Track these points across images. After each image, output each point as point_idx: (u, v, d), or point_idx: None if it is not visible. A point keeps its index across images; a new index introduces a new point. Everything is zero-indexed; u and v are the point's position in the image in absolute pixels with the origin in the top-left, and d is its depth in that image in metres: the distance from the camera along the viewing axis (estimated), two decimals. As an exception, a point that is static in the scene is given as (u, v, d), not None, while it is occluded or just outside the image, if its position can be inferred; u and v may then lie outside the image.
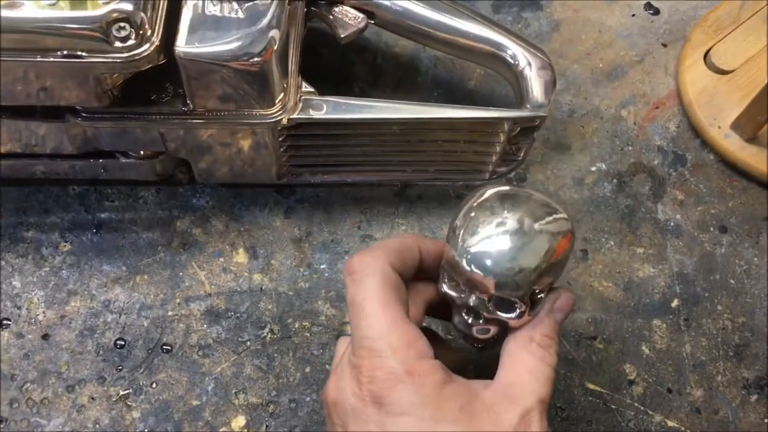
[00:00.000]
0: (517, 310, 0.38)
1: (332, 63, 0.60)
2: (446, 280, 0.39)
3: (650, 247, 0.55)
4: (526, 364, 0.37)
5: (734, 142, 0.56)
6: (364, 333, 0.36)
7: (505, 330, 0.39)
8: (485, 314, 0.38)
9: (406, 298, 0.38)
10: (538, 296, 0.38)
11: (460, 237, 0.37)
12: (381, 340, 0.35)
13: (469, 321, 0.39)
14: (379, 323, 0.36)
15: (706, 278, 0.54)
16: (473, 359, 0.44)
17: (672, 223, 0.55)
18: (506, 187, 0.39)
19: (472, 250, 0.37)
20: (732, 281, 0.54)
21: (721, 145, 0.57)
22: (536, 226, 0.37)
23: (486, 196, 0.39)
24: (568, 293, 0.40)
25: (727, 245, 0.55)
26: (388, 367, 0.35)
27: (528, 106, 0.48)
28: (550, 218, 0.38)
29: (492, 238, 0.37)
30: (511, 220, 0.37)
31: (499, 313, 0.38)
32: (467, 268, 0.37)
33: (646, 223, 0.55)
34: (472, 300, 0.38)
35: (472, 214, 0.38)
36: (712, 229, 0.55)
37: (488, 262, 0.36)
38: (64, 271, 0.52)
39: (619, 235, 0.55)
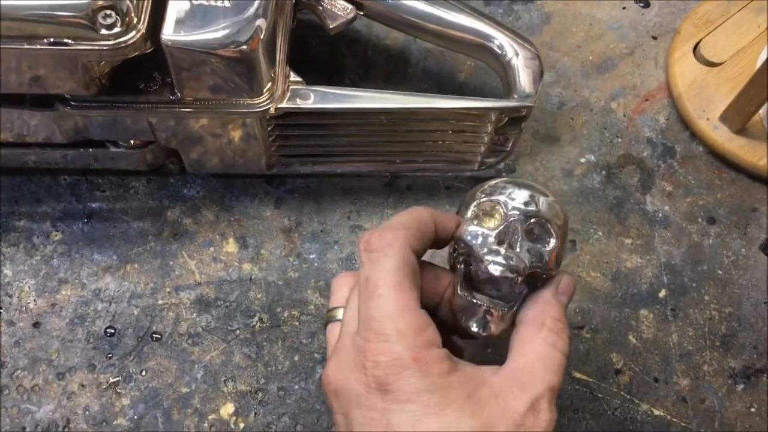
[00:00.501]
0: (552, 242, 0.38)
1: (323, 55, 0.60)
2: (474, 224, 0.38)
3: (638, 237, 0.55)
4: (537, 351, 0.36)
5: (723, 133, 0.56)
6: (373, 314, 0.35)
7: (512, 319, 0.39)
8: (518, 245, 0.37)
9: (419, 283, 0.37)
10: (552, 273, 0.38)
11: (492, 187, 0.39)
12: (390, 324, 0.34)
13: (504, 252, 0.37)
14: (391, 307, 0.35)
15: (693, 269, 0.54)
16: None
17: (660, 214, 0.56)
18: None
19: (504, 191, 0.39)
20: (719, 272, 0.54)
21: (710, 136, 0.57)
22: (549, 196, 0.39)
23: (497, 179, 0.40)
24: (569, 276, 0.39)
25: (714, 236, 0.55)
26: (393, 353, 0.34)
27: (515, 96, 0.49)
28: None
29: (518, 185, 0.39)
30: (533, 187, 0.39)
31: (536, 243, 0.38)
32: (512, 192, 0.38)
33: (634, 214, 0.56)
34: (513, 215, 0.38)
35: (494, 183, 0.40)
36: (700, 220, 0.56)
37: (524, 192, 0.38)
38: (55, 260, 0.53)
39: (607, 226, 0.55)
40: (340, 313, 0.39)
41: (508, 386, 0.35)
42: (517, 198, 0.38)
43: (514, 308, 0.38)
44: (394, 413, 0.33)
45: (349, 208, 0.55)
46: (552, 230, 0.38)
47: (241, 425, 0.49)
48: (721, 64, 0.59)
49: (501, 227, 0.38)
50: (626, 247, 0.54)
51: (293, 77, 0.47)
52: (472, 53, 0.52)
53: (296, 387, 0.50)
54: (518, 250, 0.37)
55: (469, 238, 0.38)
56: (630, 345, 0.51)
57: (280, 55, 0.47)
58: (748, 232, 0.55)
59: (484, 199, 0.39)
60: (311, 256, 0.54)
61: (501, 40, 0.49)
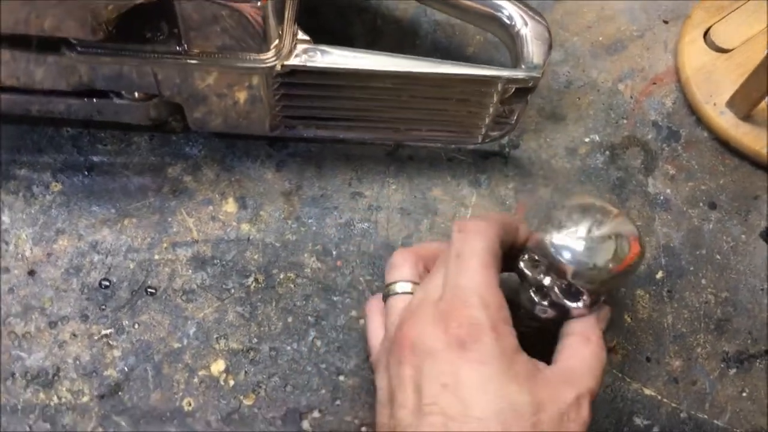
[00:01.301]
0: (582, 302, 0.42)
1: (333, 23, 0.60)
2: (526, 259, 0.43)
3: (638, 219, 0.55)
4: (584, 358, 0.41)
5: (729, 119, 0.56)
6: (462, 283, 0.39)
7: (558, 321, 0.43)
8: (552, 297, 0.42)
9: (500, 269, 0.41)
10: (601, 299, 0.43)
11: (553, 225, 0.42)
12: (476, 295, 0.38)
13: (536, 299, 0.43)
14: (479, 279, 0.39)
15: (692, 252, 0.54)
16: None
17: (662, 197, 0.55)
18: (599, 202, 0.44)
19: (561, 239, 0.41)
20: (718, 256, 0.54)
21: (716, 122, 0.57)
22: (616, 232, 0.41)
23: (579, 201, 0.43)
24: (607, 307, 0.44)
25: (715, 221, 0.55)
26: (477, 319, 0.38)
27: (523, 66, 0.48)
28: (628, 230, 0.42)
29: (580, 234, 0.41)
30: (599, 225, 0.41)
31: (566, 299, 0.42)
32: (553, 252, 0.41)
33: (636, 196, 0.55)
34: (547, 281, 0.42)
35: (567, 212, 0.42)
36: (701, 204, 0.55)
37: (571, 253, 0.41)
38: (53, 210, 0.53)
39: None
40: (399, 287, 0.43)
41: (558, 380, 0.39)
42: (563, 254, 0.41)
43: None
44: (466, 370, 0.37)
45: (350, 175, 0.55)
46: (584, 291, 0.41)
47: (231, 383, 0.49)
48: (730, 50, 0.58)
49: (538, 280, 0.42)
50: (626, 227, 0.54)
51: (301, 35, 0.47)
52: (481, 23, 0.52)
53: (288, 348, 0.50)
54: (546, 302, 0.43)
55: (520, 270, 0.44)
56: (624, 324, 0.51)
57: (289, 12, 0.47)
58: (748, 219, 0.55)
59: (533, 255, 0.43)
60: (310, 220, 0.54)
61: (510, 10, 0.49)
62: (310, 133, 0.53)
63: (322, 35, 0.49)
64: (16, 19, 0.42)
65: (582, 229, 0.41)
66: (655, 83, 0.59)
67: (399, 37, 0.60)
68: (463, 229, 0.41)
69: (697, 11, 0.60)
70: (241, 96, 0.49)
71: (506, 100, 0.50)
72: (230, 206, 0.54)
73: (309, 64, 0.46)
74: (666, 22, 0.62)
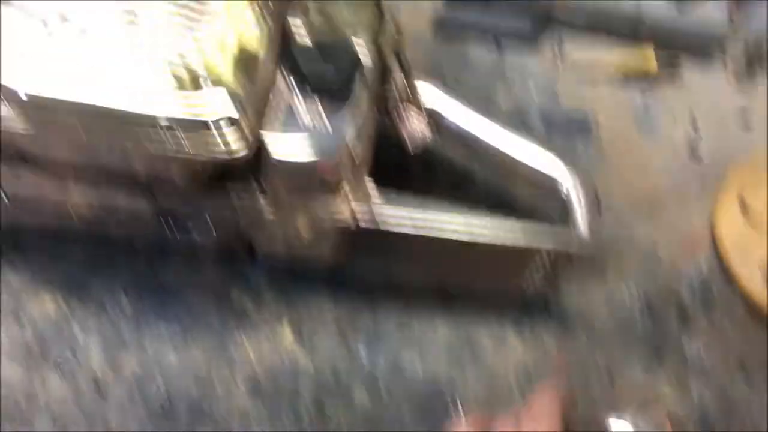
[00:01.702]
0: None
1: (392, 159, 0.64)
2: None
3: (673, 377, 0.57)
4: None
5: (762, 288, 0.59)
6: None
7: None
8: None
9: None
10: None
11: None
12: None
13: None
14: None
15: (724, 414, 0.56)
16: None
17: (696, 359, 0.58)
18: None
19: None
20: (748, 421, 0.56)
21: (750, 289, 0.60)
22: None
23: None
24: None
25: (747, 385, 0.57)
26: None
27: (573, 233, 0.52)
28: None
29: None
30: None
31: None
32: None
33: (672, 356, 0.58)
34: None
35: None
36: (733, 368, 0.58)
37: None
38: (122, 325, 0.56)
39: (644, 362, 0.58)
40: None
41: None
42: None
43: None
44: None
45: (400, 310, 0.59)
46: None
47: None
48: (765, 219, 0.62)
49: None
50: (660, 383, 0.57)
51: (373, 194, 0.51)
52: (533, 189, 0.56)
53: (333, 480, 0.52)
54: None
55: None
56: (656, 483, 0.53)
57: (363, 170, 0.51)
58: (779, 386, 0.57)
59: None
60: (361, 353, 0.57)
61: (565, 182, 0.53)
62: (368, 272, 0.57)
63: (381, 171, 0.53)
64: (120, 162, 0.47)
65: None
66: (691, 246, 0.63)
67: (454, 181, 0.64)
68: (532, 412, 0.46)
69: (732, 178, 0.64)
70: (308, 235, 0.53)
71: (553, 260, 0.54)
72: (287, 335, 0.57)
73: (377, 221, 0.51)
74: (704, 188, 0.66)
